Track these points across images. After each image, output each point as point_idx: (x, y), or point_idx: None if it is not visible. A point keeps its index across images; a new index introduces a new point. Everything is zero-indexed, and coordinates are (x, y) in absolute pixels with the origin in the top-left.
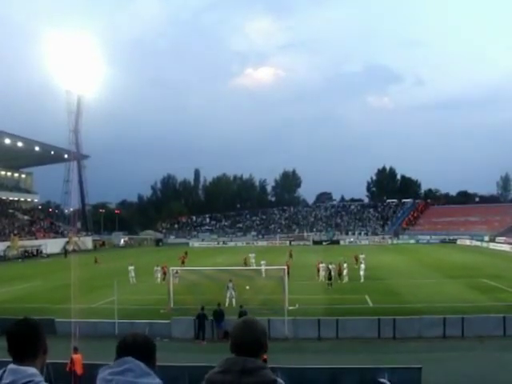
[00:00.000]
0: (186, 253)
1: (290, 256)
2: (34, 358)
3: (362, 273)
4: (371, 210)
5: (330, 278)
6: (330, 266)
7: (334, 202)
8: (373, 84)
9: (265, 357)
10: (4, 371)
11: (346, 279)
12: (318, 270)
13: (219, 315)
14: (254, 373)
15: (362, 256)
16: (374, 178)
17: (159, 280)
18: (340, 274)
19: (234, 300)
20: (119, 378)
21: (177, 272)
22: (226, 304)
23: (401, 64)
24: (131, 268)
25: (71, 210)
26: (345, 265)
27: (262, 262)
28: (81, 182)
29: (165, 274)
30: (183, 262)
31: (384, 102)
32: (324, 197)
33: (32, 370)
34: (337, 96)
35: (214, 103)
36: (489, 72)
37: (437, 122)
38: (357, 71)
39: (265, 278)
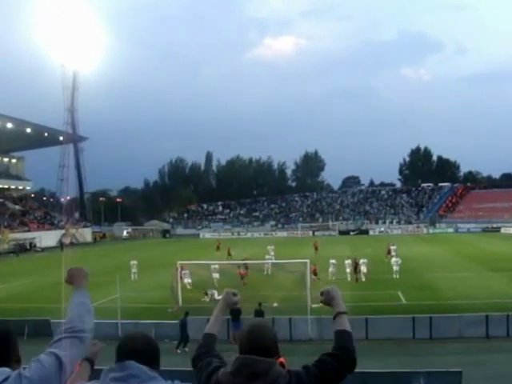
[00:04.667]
0: (228, 249)
1: (316, 249)
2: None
3: (395, 268)
4: (404, 195)
5: (355, 273)
6: (362, 261)
7: (363, 187)
8: (408, 54)
9: (281, 360)
10: None
11: (362, 277)
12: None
13: (236, 314)
14: (263, 376)
15: (393, 247)
16: (407, 159)
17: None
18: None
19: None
20: None
21: (182, 269)
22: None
23: (440, 31)
24: (133, 263)
25: (68, 198)
26: (361, 260)
27: (267, 257)
28: (78, 168)
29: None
30: (229, 254)
31: (420, 73)
32: (351, 181)
33: (7, 369)
34: (366, 67)
35: (228, 77)
36: None
37: (479, 96)
38: (390, 39)
39: (270, 275)
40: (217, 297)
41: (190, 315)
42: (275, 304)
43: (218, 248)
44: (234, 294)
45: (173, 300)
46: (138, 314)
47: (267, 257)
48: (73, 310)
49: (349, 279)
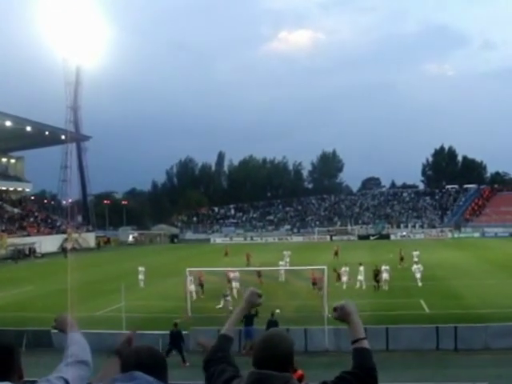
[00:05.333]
0: (247, 255)
1: (336, 254)
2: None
3: (418, 275)
4: (427, 197)
5: (377, 280)
6: (384, 268)
7: (383, 189)
8: (431, 48)
9: (300, 372)
10: None
11: (384, 285)
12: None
13: (250, 319)
14: None
15: (415, 253)
16: (431, 159)
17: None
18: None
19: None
20: None
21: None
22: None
23: (465, 23)
24: (141, 269)
25: (70, 201)
26: (383, 267)
27: (281, 263)
28: (81, 168)
29: (201, 284)
30: (248, 260)
31: (444, 69)
32: (371, 183)
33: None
34: (387, 63)
35: (241, 72)
36: None
37: (507, 92)
38: (412, 32)
39: (285, 283)
40: (230, 306)
41: (199, 325)
42: (277, 310)
43: (226, 254)
44: (259, 296)
45: (183, 308)
46: (144, 324)
47: (281, 263)
48: (74, 345)
49: (358, 286)
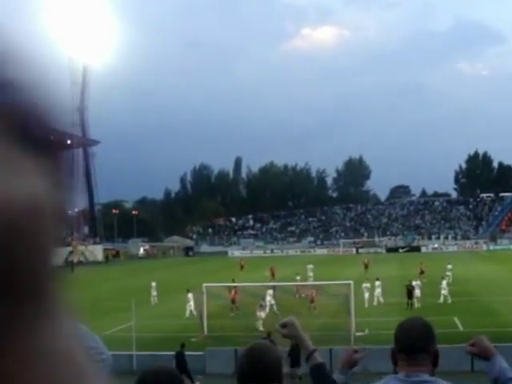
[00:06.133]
0: (271, 269)
1: (366, 267)
2: None
3: (443, 292)
4: (461, 207)
5: (410, 297)
6: (415, 283)
7: (413, 198)
8: (464, 46)
9: None
10: None
11: (416, 303)
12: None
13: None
14: None
15: (449, 266)
16: (464, 166)
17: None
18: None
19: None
20: None
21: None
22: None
23: (501, 19)
24: (154, 285)
25: (76, 210)
26: (414, 282)
27: (298, 278)
28: (88, 175)
29: (233, 301)
30: (273, 275)
31: (478, 68)
32: (400, 191)
33: None
34: (417, 62)
35: (261, 72)
36: None
37: None
38: (443, 29)
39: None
40: (261, 327)
41: (214, 345)
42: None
43: (241, 268)
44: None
45: (199, 327)
46: (157, 345)
47: (297, 278)
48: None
49: (375, 303)
